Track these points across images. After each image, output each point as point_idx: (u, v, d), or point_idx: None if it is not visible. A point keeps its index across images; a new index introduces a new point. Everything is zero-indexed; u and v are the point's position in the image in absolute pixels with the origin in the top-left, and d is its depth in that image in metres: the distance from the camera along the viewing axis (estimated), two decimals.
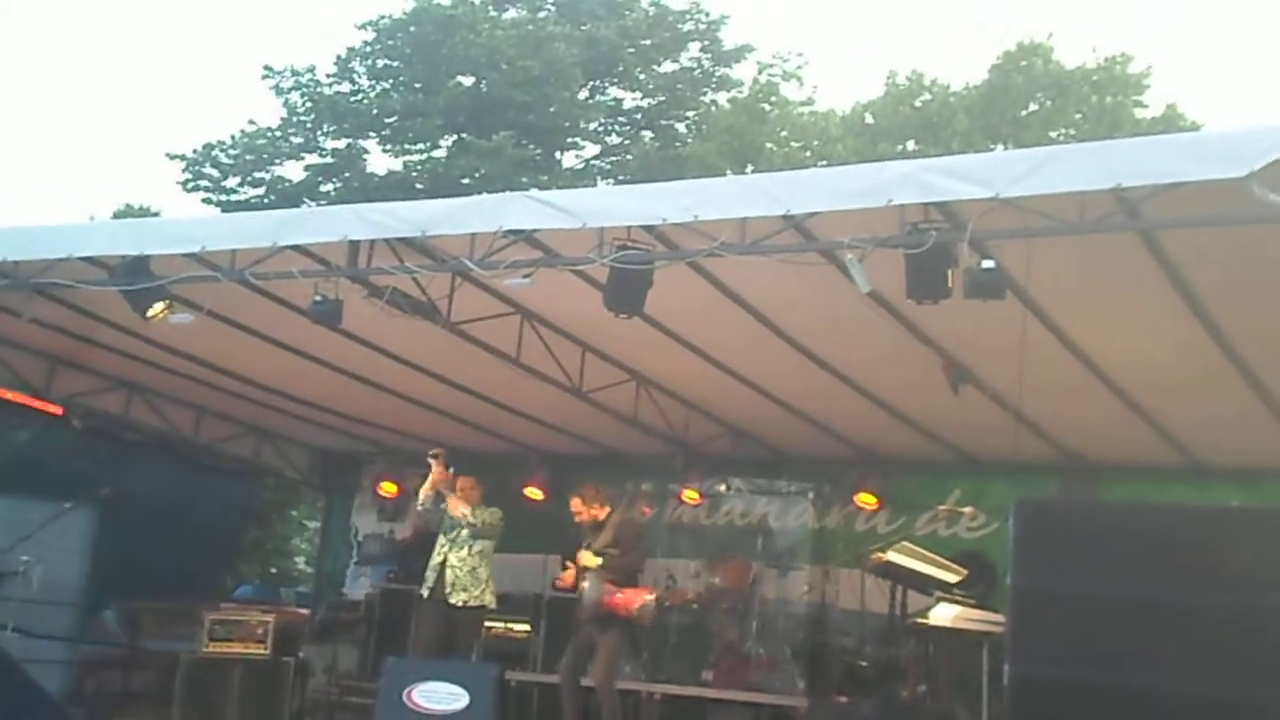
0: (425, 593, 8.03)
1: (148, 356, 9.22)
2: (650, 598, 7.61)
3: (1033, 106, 21.91)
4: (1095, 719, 5.23)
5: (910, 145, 21.86)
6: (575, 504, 7.94)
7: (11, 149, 47.91)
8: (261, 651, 9.30)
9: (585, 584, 7.58)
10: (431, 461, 8.18)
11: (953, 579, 7.91)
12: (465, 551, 7.96)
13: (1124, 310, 6.54)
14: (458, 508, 8.02)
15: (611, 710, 7.52)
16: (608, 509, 7.85)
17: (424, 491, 8.18)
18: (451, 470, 8.19)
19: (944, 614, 7.55)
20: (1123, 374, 7.55)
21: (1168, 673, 5.12)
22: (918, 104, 22.82)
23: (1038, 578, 5.49)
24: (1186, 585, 5.20)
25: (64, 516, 8.92)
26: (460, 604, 7.90)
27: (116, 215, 23.60)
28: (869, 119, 23.51)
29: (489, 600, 8.07)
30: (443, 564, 7.98)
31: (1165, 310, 6.31)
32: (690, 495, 10.74)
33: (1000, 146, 20.26)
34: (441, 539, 8.13)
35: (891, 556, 8.02)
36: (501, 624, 10.05)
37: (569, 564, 7.83)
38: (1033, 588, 5.49)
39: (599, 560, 7.58)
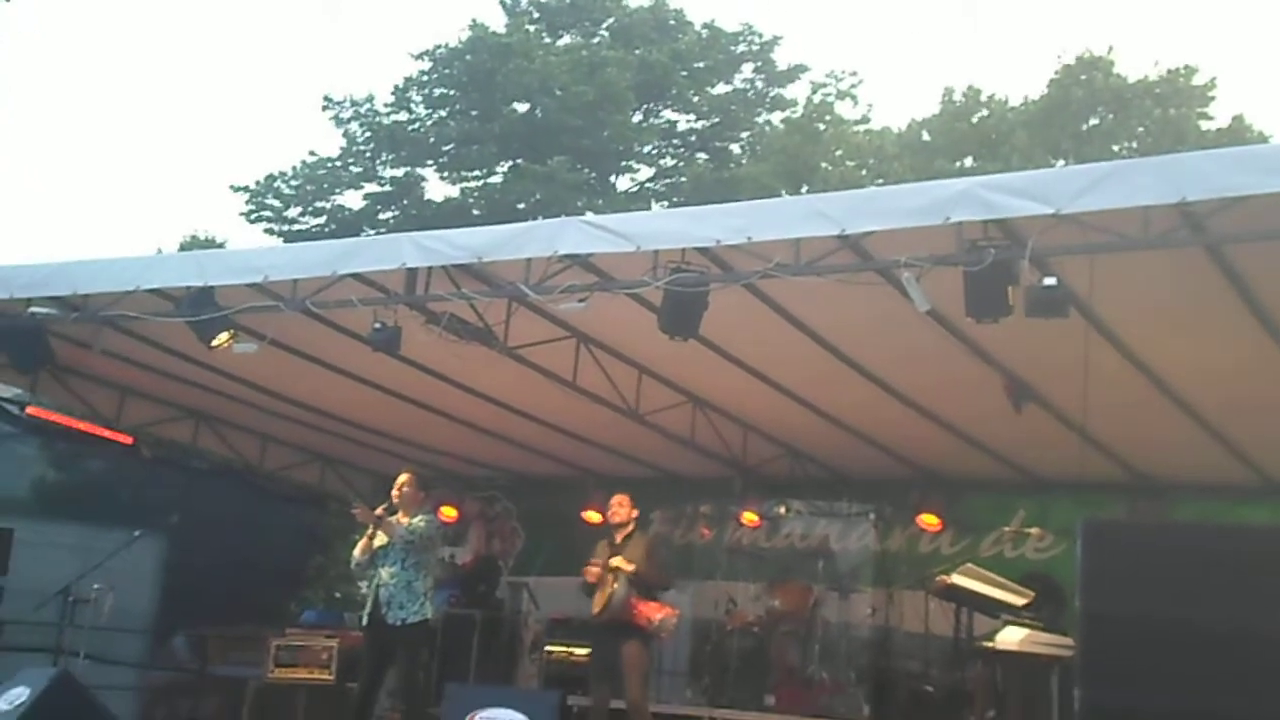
0: (364, 619, 7.38)
1: (214, 386, 9.38)
2: (673, 615, 7.46)
3: (1094, 121, 21.62)
4: None
5: (968, 162, 21.68)
6: (622, 499, 7.82)
7: (82, 183, 49.30)
8: (326, 676, 9.35)
9: (616, 585, 7.45)
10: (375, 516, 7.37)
11: (1020, 602, 7.74)
12: (398, 565, 7.29)
13: (1192, 326, 6.40)
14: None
15: None
16: (633, 524, 7.79)
17: (359, 552, 7.43)
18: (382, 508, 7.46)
19: (1011, 637, 7.39)
20: (1192, 391, 7.38)
21: (1242, 698, 4.97)
22: (975, 120, 22.63)
23: (1107, 600, 5.37)
24: (1260, 608, 5.05)
25: (134, 544, 9.06)
26: (398, 623, 7.21)
27: (183, 247, 24.17)
28: (925, 136, 23.36)
29: (430, 614, 7.39)
30: (376, 583, 7.35)
31: (1235, 326, 6.16)
32: (749, 518, 10.66)
33: (1061, 162, 20.01)
34: (378, 557, 7.41)
35: (956, 579, 7.87)
36: (562, 648, 10.03)
37: (597, 561, 7.65)
38: (1102, 610, 5.37)
39: (632, 565, 7.50)
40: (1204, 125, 20.99)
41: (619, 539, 7.73)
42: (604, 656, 7.65)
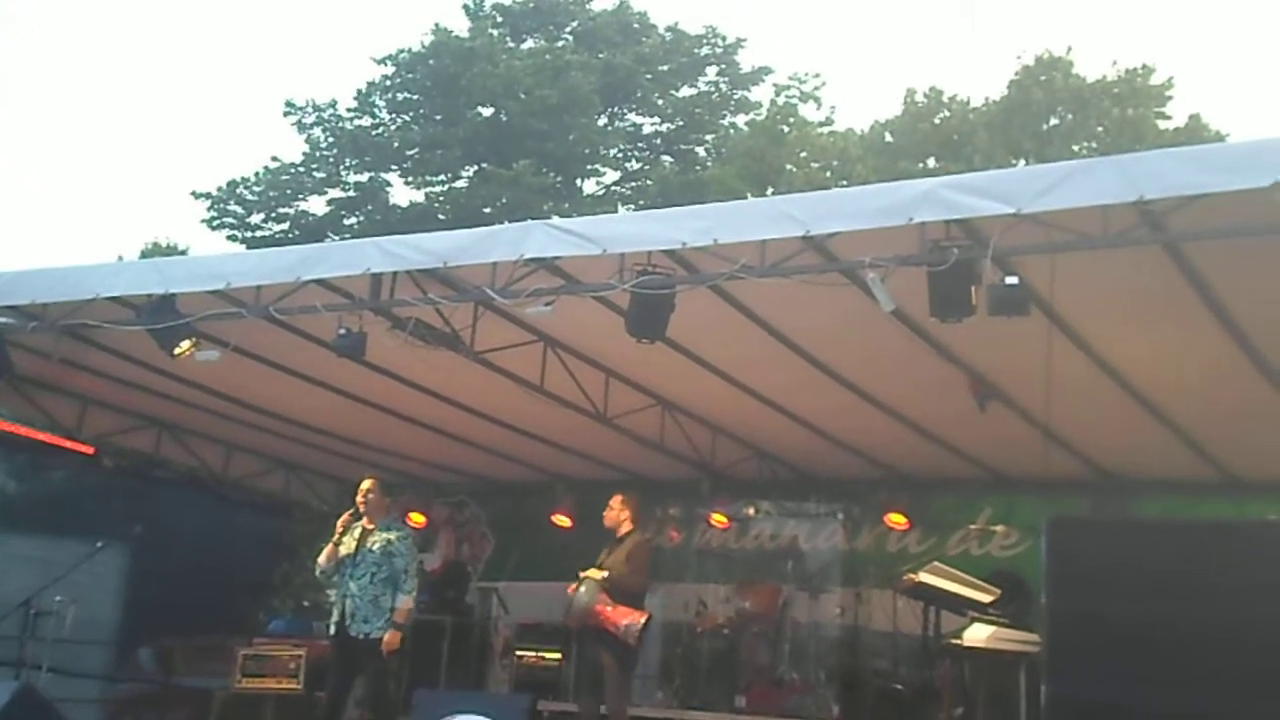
0: (331, 628, 7.31)
1: (176, 394, 9.28)
2: (640, 619, 7.32)
3: (1054, 121, 21.84)
4: None
5: (931, 163, 21.84)
6: (613, 501, 7.75)
7: (41, 190, 48.64)
8: (294, 686, 9.27)
9: (580, 590, 7.39)
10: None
11: (986, 599, 7.81)
12: (367, 579, 7.20)
13: (1152, 324, 6.47)
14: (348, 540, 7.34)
15: None
16: (632, 526, 7.75)
17: (324, 559, 7.38)
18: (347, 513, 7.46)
19: (978, 634, 7.45)
20: (1153, 389, 7.46)
21: (1205, 692, 5.03)
22: (937, 121, 22.81)
23: (1072, 597, 5.43)
24: (1223, 602, 5.12)
25: (96, 556, 8.95)
26: (361, 636, 7.12)
27: (144, 254, 23.97)
28: (888, 138, 23.51)
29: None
30: (344, 593, 7.26)
31: (1194, 323, 6.24)
32: (718, 519, 10.69)
33: (1022, 162, 20.20)
34: (345, 566, 7.36)
35: (923, 577, 7.92)
36: (533, 652, 10.00)
37: (582, 575, 7.58)
38: (1068, 607, 5.43)
39: (603, 573, 7.43)
40: (1162, 125, 21.27)
41: (616, 539, 7.70)
42: (586, 664, 7.63)
